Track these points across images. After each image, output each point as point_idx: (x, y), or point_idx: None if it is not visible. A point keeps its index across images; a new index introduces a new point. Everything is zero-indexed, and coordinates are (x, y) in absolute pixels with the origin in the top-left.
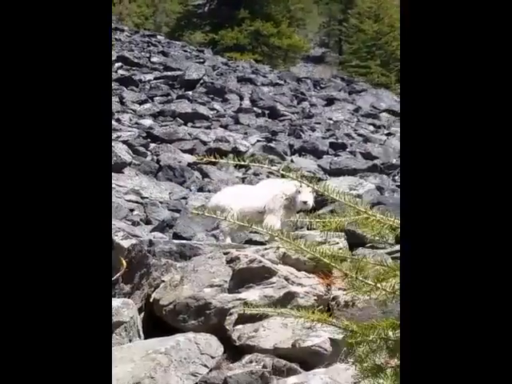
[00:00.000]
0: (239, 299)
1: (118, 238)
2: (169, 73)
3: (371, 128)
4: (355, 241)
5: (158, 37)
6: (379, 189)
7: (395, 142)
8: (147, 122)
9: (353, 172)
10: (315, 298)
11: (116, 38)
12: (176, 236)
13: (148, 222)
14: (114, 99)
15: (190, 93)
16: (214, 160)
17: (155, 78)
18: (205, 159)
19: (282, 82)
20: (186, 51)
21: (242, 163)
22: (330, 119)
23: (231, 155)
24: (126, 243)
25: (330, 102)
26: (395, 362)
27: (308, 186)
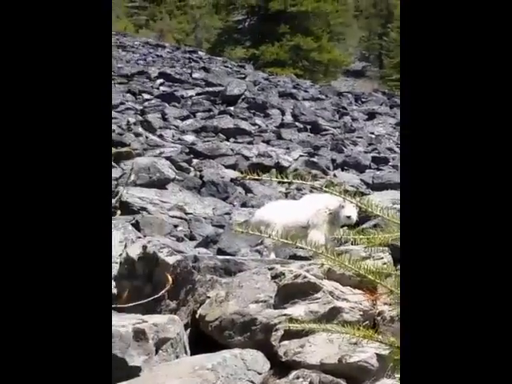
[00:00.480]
0: (285, 315)
1: (163, 254)
2: (210, 88)
3: None
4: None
5: (199, 52)
6: None
7: None
8: (190, 137)
9: (395, 186)
10: (361, 313)
11: (157, 55)
12: (220, 252)
13: (192, 238)
14: (157, 115)
15: (232, 108)
16: (256, 177)
17: (197, 94)
18: (248, 176)
19: (323, 97)
20: (227, 67)
21: (285, 180)
22: (372, 133)
23: (274, 170)
24: (171, 259)
25: (371, 116)
26: None
27: (351, 202)
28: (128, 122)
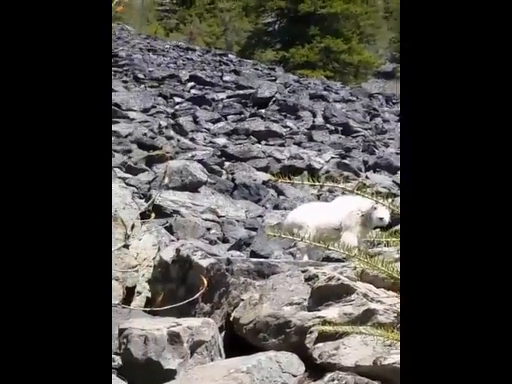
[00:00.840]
0: (319, 317)
1: (196, 257)
2: (241, 91)
3: None
4: None
5: (230, 55)
6: None
7: None
8: (221, 140)
9: None
10: (395, 315)
11: (188, 58)
12: (253, 254)
13: (225, 241)
14: (188, 119)
15: (263, 111)
16: (288, 181)
17: (228, 97)
18: (280, 180)
19: (354, 99)
20: (257, 69)
21: (316, 184)
22: None
23: (306, 172)
24: (204, 262)
25: None
26: None
27: (383, 204)
28: (160, 125)
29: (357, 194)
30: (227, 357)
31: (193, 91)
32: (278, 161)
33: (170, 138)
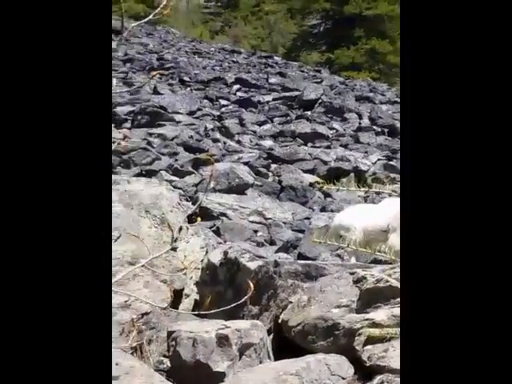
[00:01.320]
0: (367, 319)
1: (244, 259)
2: (287, 93)
3: None
4: None
5: (275, 58)
6: None
7: None
8: (267, 142)
9: None
10: None
11: (233, 61)
12: (301, 256)
13: (272, 243)
14: (234, 121)
15: (309, 113)
16: (332, 187)
17: (274, 99)
18: (325, 187)
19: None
20: (302, 71)
21: (361, 189)
22: None
23: (352, 174)
24: (252, 265)
25: None
26: None
27: None
28: (206, 128)
29: None
30: (276, 359)
31: (239, 94)
32: (325, 163)
33: (216, 141)
